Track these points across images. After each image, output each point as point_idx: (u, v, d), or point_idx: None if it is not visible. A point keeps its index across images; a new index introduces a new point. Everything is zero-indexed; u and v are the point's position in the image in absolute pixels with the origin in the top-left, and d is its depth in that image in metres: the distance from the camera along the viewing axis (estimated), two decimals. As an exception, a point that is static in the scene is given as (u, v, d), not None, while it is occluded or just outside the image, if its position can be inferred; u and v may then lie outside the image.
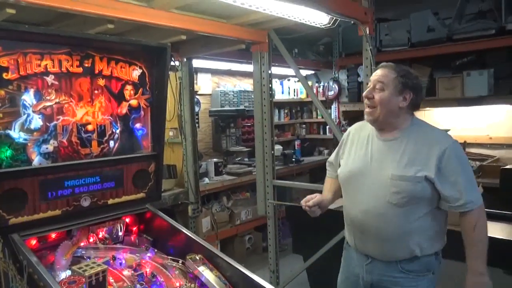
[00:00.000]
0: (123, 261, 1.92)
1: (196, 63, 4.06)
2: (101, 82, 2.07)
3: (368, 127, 1.87)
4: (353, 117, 5.25)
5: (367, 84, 2.43)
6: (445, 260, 1.80)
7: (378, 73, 1.76)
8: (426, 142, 1.69)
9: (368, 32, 2.67)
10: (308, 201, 1.92)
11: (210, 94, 5.06)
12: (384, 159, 1.74)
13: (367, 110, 1.77)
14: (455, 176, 1.63)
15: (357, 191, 1.79)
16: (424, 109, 5.02)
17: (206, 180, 4.28)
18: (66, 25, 2.73)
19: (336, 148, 2.07)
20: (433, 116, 4.97)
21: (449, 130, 4.83)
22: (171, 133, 4.31)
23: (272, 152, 3.32)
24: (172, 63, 3.82)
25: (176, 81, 3.99)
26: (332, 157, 2.10)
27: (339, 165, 1.96)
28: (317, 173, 5.60)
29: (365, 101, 1.77)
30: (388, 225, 1.69)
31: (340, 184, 1.96)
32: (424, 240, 1.69)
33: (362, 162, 1.80)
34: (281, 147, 5.45)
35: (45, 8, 2.04)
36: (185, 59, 3.82)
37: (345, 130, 5.25)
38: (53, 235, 1.98)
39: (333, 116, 5.64)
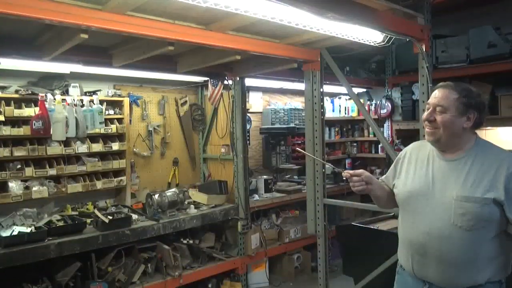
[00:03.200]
0: None
1: (248, 81, 4.16)
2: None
3: (427, 147, 1.80)
4: (406, 136, 5.08)
5: (424, 102, 2.37)
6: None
7: (437, 95, 1.70)
8: (493, 162, 1.61)
9: (424, 50, 2.61)
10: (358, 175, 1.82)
11: (261, 112, 5.16)
12: (448, 179, 1.66)
13: (428, 130, 1.70)
14: None
15: (418, 212, 1.70)
16: (486, 128, 4.76)
17: (256, 196, 4.32)
18: (130, 48, 2.95)
19: (391, 167, 1.98)
20: (496, 135, 4.69)
21: (513, 150, 4.55)
22: (223, 150, 4.43)
23: (323, 170, 3.29)
24: (225, 82, 3.99)
25: (229, 99, 4.12)
26: (387, 175, 2.00)
27: (394, 186, 1.88)
28: (369, 193, 5.44)
29: (426, 123, 1.70)
30: (453, 249, 1.59)
31: (387, 194, 1.91)
32: (489, 267, 1.59)
33: (423, 183, 1.72)
34: (333, 166, 5.37)
35: (113, 33, 2.22)
36: (238, 78, 3.94)
37: (398, 149, 5.13)
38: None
39: (385, 135, 5.49)
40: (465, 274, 1.60)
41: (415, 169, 1.79)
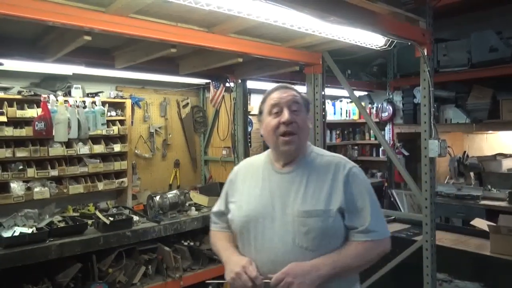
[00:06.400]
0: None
1: (250, 84, 4.17)
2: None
3: (258, 161, 1.59)
4: (408, 139, 5.09)
5: (425, 106, 2.32)
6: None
7: (284, 94, 1.51)
8: (328, 168, 1.47)
9: (426, 53, 2.62)
10: (251, 271, 1.37)
11: (262, 114, 5.15)
12: (287, 195, 1.44)
13: (286, 139, 1.44)
14: (360, 201, 1.43)
15: (260, 238, 1.44)
16: (487, 132, 4.77)
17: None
18: (133, 50, 2.96)
19: (222, 194, 1.67)
20: (498, 139, 4.70)
21: (514, 155, 4.54)
22: (224, 152, 4.43)
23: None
24: (227, 84, 4.00)
25: (231, 101, 4.13)
26: (218, 205, 1.67)
27: (229, 212, 1.59)
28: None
29: (282, 128, 1.44)
30: None
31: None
32: (342, 282, 1.43)
33: (262, 203, 1.46)
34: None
35: (115, 35, 2.23)
36: (239, 81, 3.95)
37: (399, 152, 5.12)
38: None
39: (386, 138, 5.49)
40: None
41: (250, 189, 1.53)
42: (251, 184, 1.54)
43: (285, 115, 1.44)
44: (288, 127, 1.43)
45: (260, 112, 1.57)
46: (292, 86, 1.60)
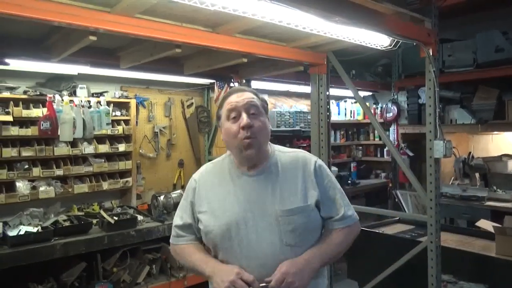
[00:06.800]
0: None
1: (254, 84, 4.18)
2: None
3: (221, 167, 1.54)
4: (412, 140, 5.07)
5: (430, 107, 2.29)
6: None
7: (243, 97, 1.46)
8: (296, 164, 1.50)
9: (431, 54, 2.60)
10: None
11: (266, 115, 5.15)
12: (263, 196, 1.43)
13: (248, 141, 1.41)
14: (331, 190, 1.50)
15: (245, 245, 1.40)
16: (492, 133, 4.74)
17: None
18: (138, 50, 2.97)
19: (184, 205, 1.58)
20: (503, 140, 4.67)
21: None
22: (228, 152, 4.42)
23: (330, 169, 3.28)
24: (231, 84, 4.00)
25: (235, 101, 4.11)
26: (182, 218, 1.57)
27: (200, 222, 1.50)
28: (373, 196, 5.43)
29: (242, 133, 1.41)
30: None
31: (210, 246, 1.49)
32: (323, 276, 1.51)
33: (237, 208, 1.42)
34: (337, 169, 5.37)
35: (121, 35, 2.24)
36: (244, 81, 3.95)
37: (404, 153, 5.09)
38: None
39: (391, 138, 5.48)
40: None
41: (221, 195, 1.48)
42: (220, 191, 1.48)
43: (244, 119, 1.41)
44: (248, 131, 1.40)
45: (218, 117, 1.52)
46: (248, 87, 1.57)
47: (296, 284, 1.32)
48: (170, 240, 1.64)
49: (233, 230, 1.41)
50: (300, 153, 1.56)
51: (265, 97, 5.15)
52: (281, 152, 1.55)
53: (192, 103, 4.63)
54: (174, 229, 1.61)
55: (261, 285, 1.33)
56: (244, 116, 1.42)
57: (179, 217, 1.59)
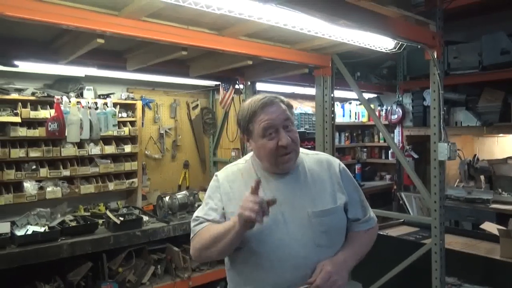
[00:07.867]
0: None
1: (259, 86, 4.19)
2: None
3: (246, 169, 1.51)
4: (417, 142, 5.06)
5: (435, 109, 2.29)
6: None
7: (278, 111, 1.42)
8: (321, 166, 1.52)
9: (436, 56, 2.61)
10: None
11: (271, 116, 5.16)
12: (293, 198, 1.43)
13: (286, 157, 1.41)
14: (356, 192, 1.56)
15: (277, 246, 1.38)
16: (498, 135, 4.72)
17: (265, 200, 4.32)
18: (144, 52, 3.00)
19: (213, 201, 1.49)
20: (508, 142, 4.65)
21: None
22: (233, 153, 4.45)
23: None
24: (237, 86, 4.02)
25: (240, 103, 4.15)
26: (211, 214, 1.46)
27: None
28: (378, 199, 5.42)
29: (282, 150, 1.40)
30: None
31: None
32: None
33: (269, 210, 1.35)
34: (341, 171, 5.37)
35: (128, 38, 2.27)
36: (249, 83, 3.97)
37: (408, 155, 5.09)
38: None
39: (396, 140, 5.47)
40: None
41: None
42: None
43: (283, 139, 1.39)
44: (288, 148, 1.40)
45: (247, 131, 1.46)
46: (274, 95, 1.50)
47: (339, 282, 1.36)
48: (193, 228, 1.49)
49: (264, 232, 1.38)
50: (322, 155, 1.61)
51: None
52: (305, 154, 1.56)
53: (198, 105, 4.66)
54: (198, 219, 1.48)
55: (303, 287, 1.34)
56: (282, 134, 1.40)
57: (207, 212, 1.47)
